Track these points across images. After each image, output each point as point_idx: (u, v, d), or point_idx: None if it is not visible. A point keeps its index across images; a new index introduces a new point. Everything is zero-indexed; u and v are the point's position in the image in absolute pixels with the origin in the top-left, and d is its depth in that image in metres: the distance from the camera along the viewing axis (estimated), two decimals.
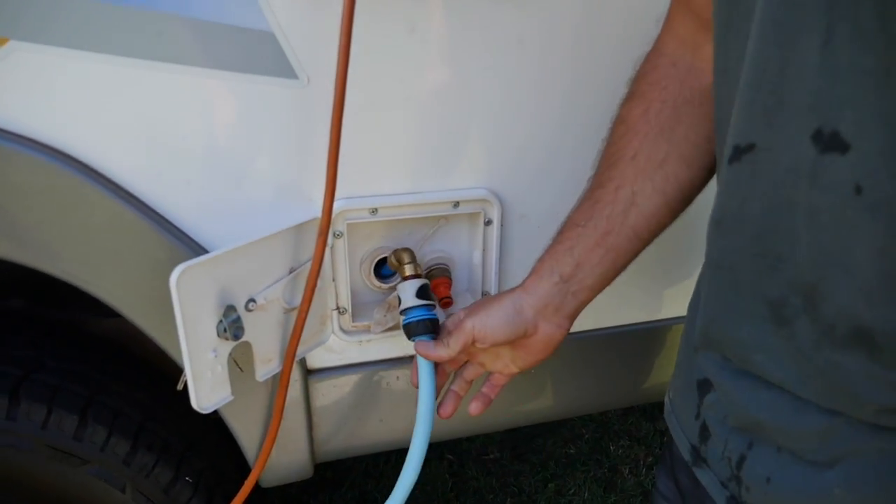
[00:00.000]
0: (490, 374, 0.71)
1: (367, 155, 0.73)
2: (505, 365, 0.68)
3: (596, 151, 0.75)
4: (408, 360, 0.87)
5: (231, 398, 0.69)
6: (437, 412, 0.70)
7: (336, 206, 0.70)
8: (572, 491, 1.57)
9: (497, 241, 0.81)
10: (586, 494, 1.56)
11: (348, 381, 0.86)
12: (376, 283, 0.81)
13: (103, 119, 0.64)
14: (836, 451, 0.43)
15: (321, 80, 0.67)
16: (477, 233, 0.81)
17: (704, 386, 0.53)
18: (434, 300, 0.75)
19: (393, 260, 0.76)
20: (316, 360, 0.84)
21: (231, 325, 0.65)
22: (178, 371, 0.76)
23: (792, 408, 0.44)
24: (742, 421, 0.49)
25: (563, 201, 0.81)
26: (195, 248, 0.71)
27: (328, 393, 0.85)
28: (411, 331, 0.70)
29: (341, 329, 0.80)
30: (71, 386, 0.82)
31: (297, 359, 0.74)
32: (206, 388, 0.66)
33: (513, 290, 0.64)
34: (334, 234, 0.74)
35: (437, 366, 0.70)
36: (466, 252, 0.83)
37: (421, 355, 0.68)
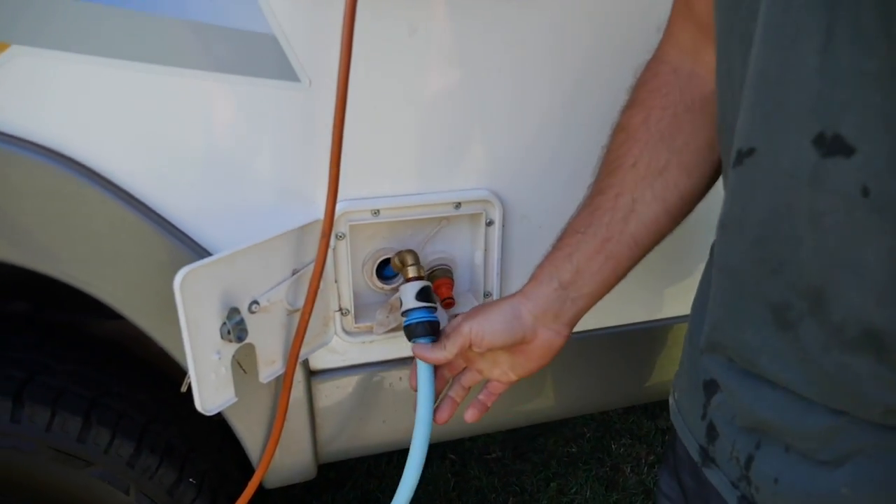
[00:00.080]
0: (488, 381, 0.71)
1: (368, 156, 0.73)
2: (503, 372, 0.68)
3: (596, 153, 0.75)
4: (410, 361, 0.87)
5: (235, 400, 0.69)
6: (434, 418, 0.70)
7: (338, 207, 0.70)
8: (574, 490, 1.57)
9: (499, 242, 0.81)
10: (588, 493, 1.56)
11: (351, 383, 0.86)
12: (378, 284, 0.81)
13: (106, 123, 0.65)
14: (843, 451, 0.43)
15: (323, 83, 0.67)
16: (478, 233, 0.81)
17: (711, 387, 0.53)
18: (436, 302, 0.75)
19: (396, 261, 0.76)
20: (319, 361, 0.84)
21: (235, 328, 0.65)
22: (180, 372, 0.76)
23: (798, 408, 0.44)
24: (749, 421, 0.49)
25: (564, 202, 0.81)
26: (198, 251, 0.71)
27: (331, 394, 0.85)
28: (412, 332, 0.70)
29: (344, 330, 0.81)
30: (74, 388, 0.83)
31: (300, 360, 0.74)
32: (210, 390, 0.66)
33: (512, 295, 0.64)
34: (336, 236, 0.74)
35: (435, 370, 0.70)
36: (468, 253, 0.84)
37: (418, 357, 0.68)
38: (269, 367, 0.73)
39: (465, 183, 0.78)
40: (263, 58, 0.65)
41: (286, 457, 0.86)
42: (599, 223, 0.59)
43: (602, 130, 0.75)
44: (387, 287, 0.81)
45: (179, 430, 0.89)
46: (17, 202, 0.66)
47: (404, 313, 0.73)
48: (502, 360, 0.68)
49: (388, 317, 0.80)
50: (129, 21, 0.61)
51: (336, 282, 0.77)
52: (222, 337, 0.65)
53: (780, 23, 0.37)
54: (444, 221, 0.80)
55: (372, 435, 0.90)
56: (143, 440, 0.84)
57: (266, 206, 0.72)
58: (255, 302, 0.68)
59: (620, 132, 0.60)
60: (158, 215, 0.70)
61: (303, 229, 0.72)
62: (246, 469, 0.87)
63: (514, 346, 0.64)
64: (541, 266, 0.63)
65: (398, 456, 1.56)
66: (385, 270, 0.81)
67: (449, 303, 0.80)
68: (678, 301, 0.99)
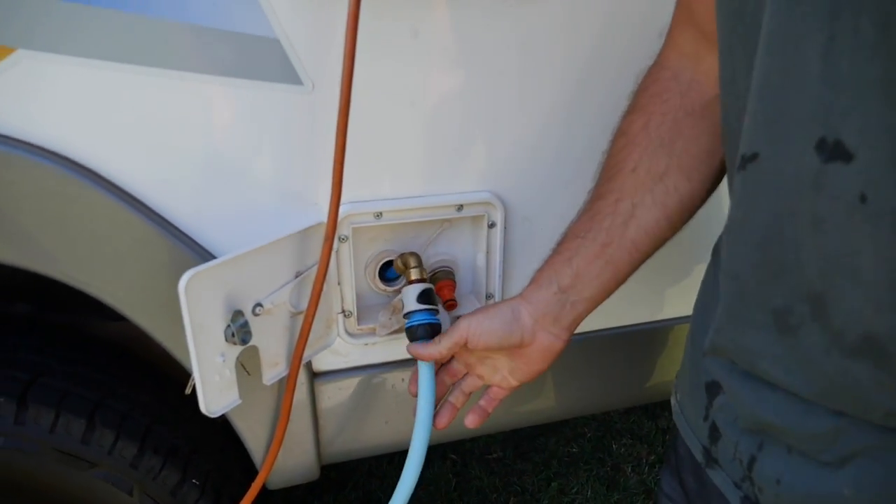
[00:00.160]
0: (488, 387, 0.71)
1: (371, 159, 0.73)
2: (503, 378, 0.68)
3: (598, 155, 0.76)
4: (412, 362, 0.87)
5: (239, 402, 0.70)
6: (433, 423, 0.70)
7: (341, 210, 0.70)
8: (575, 490, 1.57)
9: (500, 244, 0.81)
10: (589, 493, 1.57)
11: (354, 384, 0.86)
12: (381, 286, 0.81)
13: (112, 127, 0.65)
14: (845, 452, 0.43)
15: (326, 86, 0.68)
16: (480, 235, 0.81)
17: (713, 388, 0.54)
18: (437, 304, 0.75)
19: (399, 263, 0.77)
20: (322, 362, 0.84)
21: (239, 330, 0.65)
22: (183, 373, 0.77)
23: (800, 410, 0.44)
24: (751, 423, 0.49)
25: (565, 204, 0.82)
26: (201, 253, 0.71)
27: (334, 395, 0.86)
28: (413, 335, 0.71)
29: (347, 332, 0.81)
30: (78, 390, 0.83)
31: (303, 362, 0.74)
32: (215, 393, 0.66)
33: (513, 298, 0.65)
34: (339, 238, 0.75)
35: (436, 376, 0.70)
36: (470, 254, 0.84)
37: (412, 355, 0.68)
38: (273, 369, 0.73)
39: (467, 185, 0.78)
40: (267, 61, 0.66)
41: (289, 458, 0.86)
42: (599, 228, 0.60)
43: (604, 133, 0.75)
44: (389, 289, 0.82)
45: (183, 432, 0.90)
46: (22, 205, 0.66)
47: (406, 315, 0.73)
48: (502, 364, 0.68)
49: (390, 319, 0.80)
50: (133, 25, 0.61)
51: (339, 284, 0.78)
52: (226, 339, 0.65)
53: (783, 30, 0.37)
54: (447, 224, 0.80)
55: (374, 436, 0.91)
56: (147, 441, 0.84)
57: (268, 208, 0.73)
58: (259, 304, 0.68)
59: (621, 137, 0.61)
60: (162, 218, 0.70)
61: (306, 232, 0.72)
62: (248, 470, 0.88)
63: (512, 350, 0.65)
64: (541, 270, 0.64)
65: (399, 457, 1.56)
66: (387, 272, 0.82)
67: (451, 305, 0.80)
68: (678, 302, 0.99)
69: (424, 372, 0.69)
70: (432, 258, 0.82)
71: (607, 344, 0.99)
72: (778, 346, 0.44)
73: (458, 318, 0.83)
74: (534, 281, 0.64)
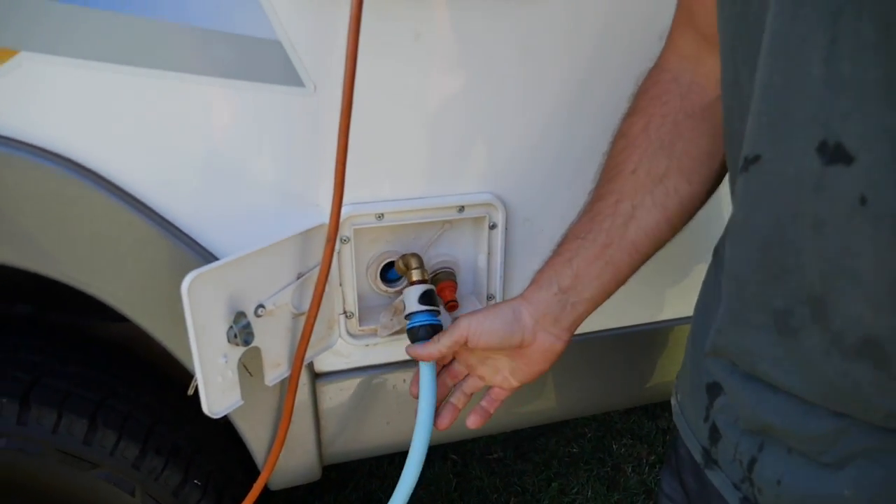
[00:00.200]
0: (490, 388, 0.71)
1: (372, 160, 0.73)
2: (504, 378, 0.68)
3: (599, 157, 0.76)
4: (413, 363, 0.87)
5: (241, 403, 0.70)
6: (435, 423, 0.70)
7: (343, 211, 0.71)
8: (575, 490, 1.58)
9: (501, 245, 0.82)
10: (589, 493, 1.57)
11: (355, 385, 0.87)
12: (382, 287, 0.82)
13: (115, 129, 0.65)
14: (845, 453, 0.43)
15: (327, 88, 0.68)
16: (482, 237, 0.81)
17: (714, 389, 0.54)
18: (439, 305, 0.76)
19: (401, 265, 0.77)
20: (323, 363, 0.84)
21: (241, 331, 0.65)
22: (185, 374, 0.77)
23: (801, 411, 0.45)
24: (752, 424, 0.49)
25: (567, 205, 0.82)
26: (203, 254, 0.72)
27: (335, 396, 0.86)
28: (415, 336, 0.71)
29: (348, 333, 0.81)
30: (80, 391, 0.83)
31: (305, 363, 0.74)
32: (217, 394, 0.66)
33: (513, 298, 0.65)
34: (341, 240, 0.75)
35: (437, 377, 0.70)
36: (471, 255, 0.84)
37: (411, 356, 0.68)
38: (275, 369, 0.74)
39: (469, 187, 0.79)
40: (268, 63, 0.66)
41: (291, 458, 0.87)
42: (599, 229, 0.60)
43: (604, 135, 0.75)
44: (391, 290, 0.82)
45: (184, 432, 0.90)
46: (25, 206, 0.66)
47: (407, 316, 0.73)
48: (503, 365, 0.68)
49: (391, 320, 0.80)
50: (136, 28, 0.61)
51: (340, 285, 0.78)
52: (229, 340, 0.66)
53: (785, 33, 0.37)
54: (448, 225, 0.81)
55: (375, 436, 0.91)
56: (149, 442, 0.84)
57: (270, 209, 0.73)
58: (261, 306, 0.68)
59: (621, 139, 0.61)
60: (163, 219, 0.70)
61: (307, 233, 0.72)
62: (250, 470, 0.88)
63: (513, 350, 0.65)
64: (541, 271, 0.64)
65: (400, 457, 1.56)
66: (389, 273, 0.82)
67: (452, 305, 0.80)
68: (678, 303, 1.00)
69: (425, 373, 0.69)
70: (433, 259, 0.82)
71: (607, 345, 1.00)
72: (778, 347, 0.44)
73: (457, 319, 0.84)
74: (534, 282, 0.64)
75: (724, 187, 0.58)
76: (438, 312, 0.74)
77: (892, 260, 0.36)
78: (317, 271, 0.69)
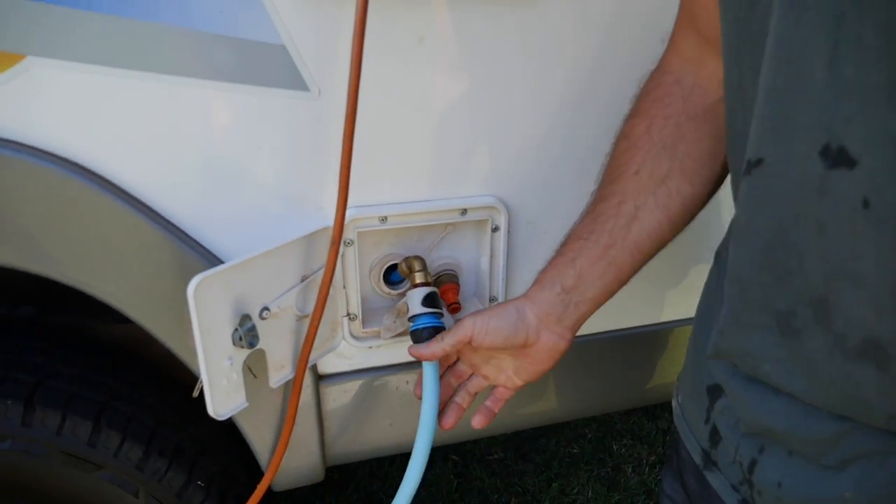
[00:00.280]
0: (494, 387, 0.72)
1: (376, 164, 0.74)
2: (508, 378, 0.69)
3: (601, 159, 0.76)
4: (416, 365, 0.88)
5: (246, 405, 0.70)
6: (440, 423, 0.71)
7: (347, 214, 0.71)
8: (576, 490, 1.58)
9: (504, 247, 0.82)
10: (590, 493, 1.57)
11: (358, 386, 0.87)
12: (385, 289, 0.82)
13: (121, 132, 0.66)
14: (846, 456, 0.43)
15: (332, 92, 0.68)
16: (484, 239, 0.82)
17: (715, 391, 0.54)
18: (442, 308, 0.76)
19: (404, 267, 0.77)
20: (327, 365, 0.85)
21: (246, 334, 0.66)
22: (188, 375, 0.77)
23: (802, 414, 0.45)
24: (753, 426, 0.50)
25: (569, 208, 0.83)
26: (208, 257, 0.72)
27: (339, 398, 0.86)
28: (418, 338, 0.72)
29: (352, 335, 0.82)
30: (84, 392, 0.83)
31: (309, 365, 0.75)
32: (222, 396, 0.67)
33: (517, 298, 0.65)
34: (345, 243, 0.75)
35: (441, 377, 0.71)
36: (474, 258, 0.85)
37: (413, 356, 0.68)
38: (279, 371, 0.74)
39: (471, 190, 0.79)
40: (274, 68, 0.66)
41: (294, 460, 0.87)
42: (602, 229, 0.60)
43: (607, 138, 0.76)
44: (394, 292, 0.82)
45: (188, 434, 0.90)
46: (30, 210, 0.66)
47: (411, 319, 0.74)
48: (507, 364, 0.68)
49: (394, 322, 0.81)
50: (142, 32, 0.62)
51: (344, 287, 0.78)
52: (234, 343, 0.66)
53: (789, 37, 0.38)
54: (451, 227, 0.81)
55: (378, 438, 0.91)
56: (153, 443, 0.84)
57: (274, 212, 0.73)
58: (266, 308, 0.69)
59: (623, 140, 0.61)
60: (169, 221, 0.71)
61: (312, 236, 0.73)
62: (252, 471, 0.88)
63: (517, 349, 0.65)
64: (544, 271, 0.64)
65: (401, 458, 1.57)
66: (392, 276, 0.82)
67: (455, 308, 0.81)
68: (678, 304, 1.00)
69: (428, 373, 0.70)
70: (436, 262, 0.83)
71: (608, 346, 1.00)
72: (781, 349, 0.44)
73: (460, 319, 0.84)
74: (537, 282, 0.65)
75: (725, 189, 0.59)
76: (442, 315, 0.74)
77: (894, 262, 0.37)
78: (321, 274, 0.69)
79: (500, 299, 0.85)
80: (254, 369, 0.74)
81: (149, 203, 0.69)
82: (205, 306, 0.62)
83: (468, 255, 0.84)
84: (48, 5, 0.59)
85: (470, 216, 0.79)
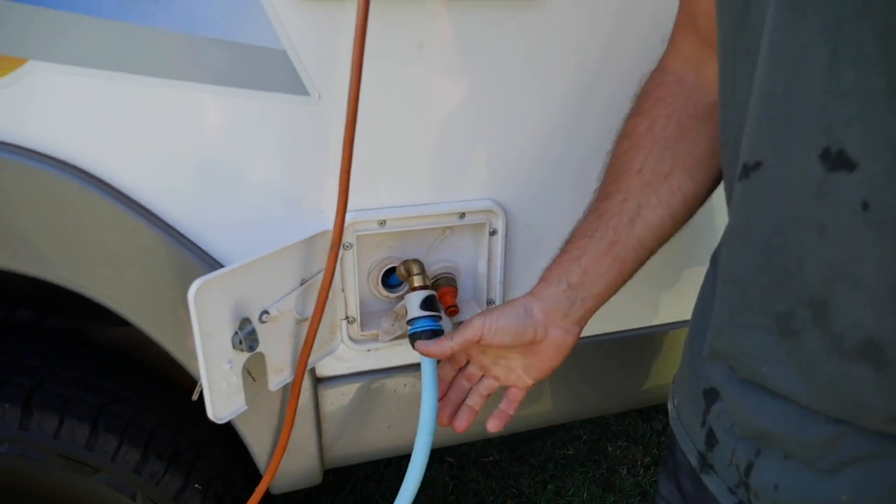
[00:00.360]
0: (507, 390, 0.72)
1: (375, 168, 0.74)
2: (518, 377, 0.69)
3: (599, 163, 0.77)
4: (414, 368, 0.88)
5: (245, 408, 0.70)
6: (453, 425, 0.72)
7: (346, 218, 0.71)
8: (571, 492, 1.59)
9: (502, 251, 0.83)
10: (585, 495, 1.58)
11: (356, 389, 0.87)
12: (384, 292, 0.82)
13: (121, 136, 0.66)
14: (842, 459, 0.44)
15: (331, 96, 0.69)
16: (482, 243, 0.82)
17: (711, 395, 0.55)
18: (440, 311, 0.76)
19: (402, 270, 0.78)
20: (325, 368, 0.85)
21: (246, 337, 0.66)
22: (185, 378, 0.77)
23: (798, 417, 0.45)
24: (749, 430, 0.50)
25: (566, 212, 0.83)
26: (207, 260, 0.72)
27: (337, 400, 0.87)
28: (416, 340, 0.72)
29: (350, 338, 0.82)
30: (82, 395, 0.83)
31: (308, 368, 0.75)
32: (222, 399, 0.67)
33: (523, 296, 0.66)
34: (344, 246, 0.76)
35: (453, 381, 0.71)
36: (472, 261, 0.85)
37: (421, 353, 0.69)
38: (278, 374, 0.74)
39: (469, 193, 0.80)
40: (274, 73, 0.66)
41: (293, 462, 0.87)
42: (606, 227, 0.61)
43: (605, 141, 0.76)
44: (392, 295, 0.83)
45: (185, 437, 0.90)
46: (32, 213, 0.67)
47: (409, 322, 0.74)
48: (516, 364, 0.69)
49: (393, 325, 0.81)
50: (144, 37, 0.62)
51: (343, 291, 0.79)
52: (234, 346, 0.66)
53: (788, 43, 0.38)
54: (449, 231, 0.82)
55: (376, 440, 0.92)
56: (150, 446, 0.84)
57: (274, 216, 0.74)
58: (266, 312, 0.69)
59: (626, 139, 0.62)
60: (168, 225, 0.71)
61: (311, 240, 0.73)
62: (250, 474, 0.88)
63: (525, 347, 0.66)
64: (549, 268, 0.65)
65: (396, 460, 1.57)
66: (390, 279, 0.83)
67: (453, 311, 0.81)
68: (674, 306, 1.01)
69: (427, 374, 0.70)
70: (434, 265, 0.83)
71: (603, 349, 1.01)
72: (779, 349, 0.45)
73: (459, 323, 0.85)
74: (543, 279, 0.65)
75: (719, 192, 0.60)
76: (440, 318, 0.74)
77: (893, 264, 0.37)
78: (320, 277, 0.70)
79: (498, 302, 0.85)
80: (253, 372, 0.74)
81: (149, 207, 0.69)
82: (205, 310, 0.62)
83: (466, 259, 0.85)
84: (50, 10, 0.59)
85: (468, 220, 0.80)
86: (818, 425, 0.44)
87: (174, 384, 0.94)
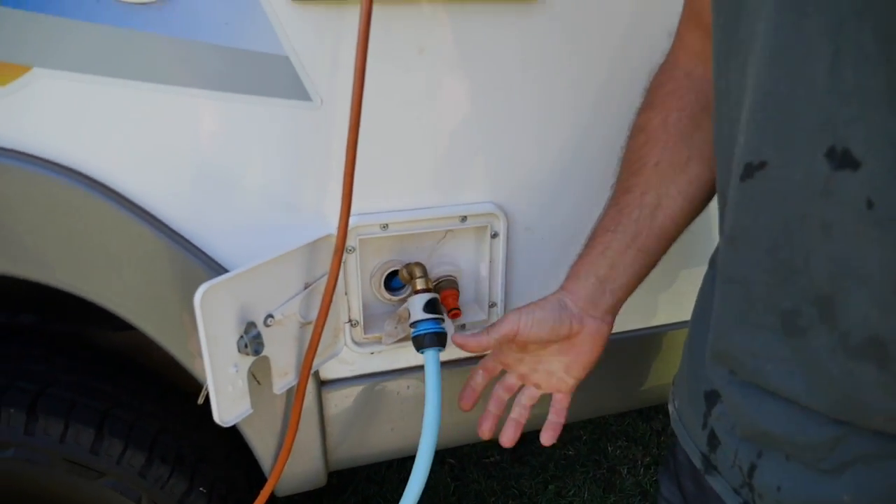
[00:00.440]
0: (552, 399, 0.73)
1: (377, 172, 0.75)
2: (560, 380, 0.70)
3: (600, 166, 0.77)
4: (417, 370, 0.89)
5: (251, 411, 0.71)
6: (500, 440, 0.73)
7: (349, 222, 0.72)
8: (572, 492, 1.59)
9: (503, 254, 0.83)
10: (586, 495, 1.58)
11: (360, 392, 0.88)
12: (387, 295, 0.83)
13: (125, 142, 0.66)
14: (844, 460, 0.44)
15: (334, 102, 0.69)
16: (484, 245, 0.83)
17: (712, 397, 0.55)
18: (443, 313, 0.77)
19: (405, 273, 0.78)
20: (329, 371, 0.86)
21: (252, 341, 0.66)
22: (189, 382, 0.78)
23: (800, 419, 0.46)
24: (750, 431, 0.50)
25: (567, 215, 0.84)
26: (212, 265, 0.73)
27: (341, 403, 0.87)
28: (420, 343, 0.73)
29: (353, 341, 0.82)
30: (86, 400, 0.84)
31: (312, 371, 0.76)
32: (228, 403, 0.67)
33: (555, 292, 0.67)
34: (347, 250, 0.76)
35: (493, 392, 0.73)
36: (474, 264, 0.86)
37: (459, 345, 0.70)
38: (283, 378, 0.75)
39: (471, 197, 0.80)
40: (276, 78, 0.67)
41: (297, 465, 0.87)
42: (629, 220, 0.63)
43: (605, 143, 0.77)
44: (395, 298, 0.83)
45: (189, 440, 0.90)
46: (36, 219, 0.67)
47: (413, 324, 0.75)
48: (555, 366, 0.70)
49: (396, 327, 0.82)
50: (149, 44, 0.62)
51: (346, 294, 0.79)
52: (239, 350, 0.67)
53: (790, 44, 0.39)
54: (450, 234, 0.82)
55: (380, 442, 0.92)
56: (155, 450, 0.85)
57: (276, 220, 0.74)
58: (271, 315, 0.69)
59: (640, 133, 0.64)
60: (172, 230, 0.71)
61: (314, 244, 0.74)
62: (254, 477, 0.89)
63: (562, 343, 0.67)
64: (577, 264, 0.67)
65: (398, 461, 1.58)
66: (393, 282, 0.83)
67: (455, 313, 0.82)
68: (671, 308, 1.01)
69: (431, 374, 0.70)
70: (436, 268, 0.83)
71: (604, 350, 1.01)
72: (785, 348, 0.45)
73: (461, 325, 0.85)
74: (572, 274, 0.67)
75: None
76: (443, 320, 0.75)
77: None
78: (323, 281, 0.70)
79: (500, 305, 0.86)
80: (257, 376, 0.75)
81: (153, 212, 0.70)
82: (211, 314, 0.62)
83: (468, 262, 0.85)
84: (54, 17, 0.60)
85: (470, 223, 0.80)
86: (819, 426, 0.45)
87: (176, 388, 0.94)
